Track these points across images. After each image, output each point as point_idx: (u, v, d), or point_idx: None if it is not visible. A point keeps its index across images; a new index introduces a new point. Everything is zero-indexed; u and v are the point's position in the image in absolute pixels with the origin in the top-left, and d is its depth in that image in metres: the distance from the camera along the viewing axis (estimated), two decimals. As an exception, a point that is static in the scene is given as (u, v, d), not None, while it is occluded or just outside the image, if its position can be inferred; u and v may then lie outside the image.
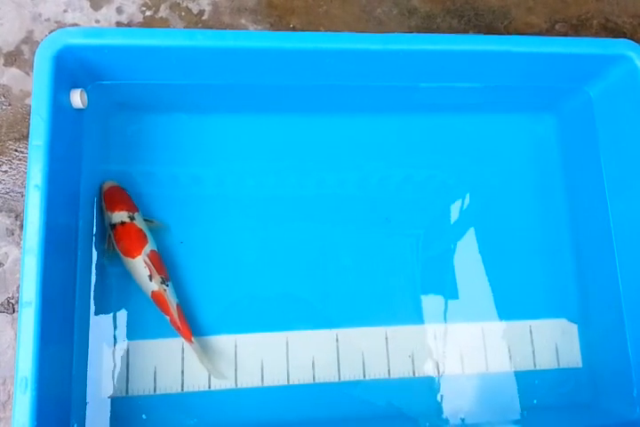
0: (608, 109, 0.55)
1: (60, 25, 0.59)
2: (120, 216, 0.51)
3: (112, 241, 0.51)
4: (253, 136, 0.58)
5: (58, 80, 0.45)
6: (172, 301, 0.50)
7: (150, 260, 0.50)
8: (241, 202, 0.56)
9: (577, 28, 0.65)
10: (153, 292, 0.50)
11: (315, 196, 0.57)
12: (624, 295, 0.54)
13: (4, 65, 0.57)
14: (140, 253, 0.50)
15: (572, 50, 0.51)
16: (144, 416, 0.50)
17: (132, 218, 0.51)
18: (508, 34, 0.64)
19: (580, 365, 0.56)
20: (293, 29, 0.61)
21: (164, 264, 0.52)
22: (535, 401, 0.54)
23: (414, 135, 0.60)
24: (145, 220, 0.53)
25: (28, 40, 0.58)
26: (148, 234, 0.52)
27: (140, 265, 0.50)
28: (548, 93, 0.59)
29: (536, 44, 0.51)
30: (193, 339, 0.50)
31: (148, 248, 0.51)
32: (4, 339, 0.53)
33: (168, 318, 0.50)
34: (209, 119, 0.57)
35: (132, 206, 0.52)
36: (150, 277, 0.50)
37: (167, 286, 0.50)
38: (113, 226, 0.51)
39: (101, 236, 0.52)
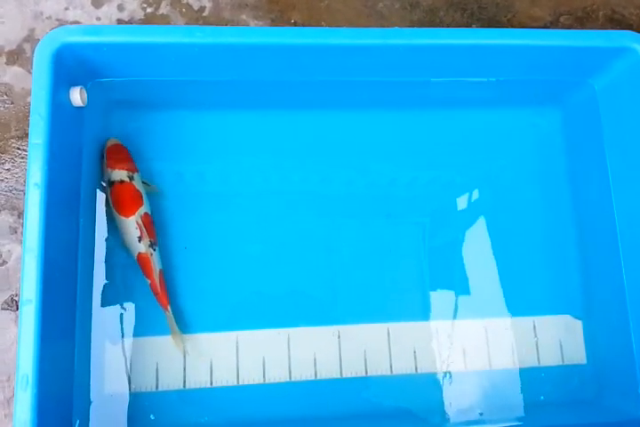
0: (613, 102, 0.54)
1: (62, 23, 0.59)
2: (120, 174, 0.51)
3: (108, 198, 0.52)
4: (257, 133, 0.57)
5: (57, 78, 0.45)
6: (156, 265, 0.51)
7: (143, 222, 0.51)
8: (243, 198, 0.56)
9: (582, 20, 0.64)
10: (140, 253, 0.50)
11: (318, 191, 0.57)
12: (628, 291, 0.53)
13: (6, 63, 0.57)
14: (133, 214, 0.51)
15: (575, 42, 0.51)
16: (146, 413, 0.50)
17: (131, 178, 0.52)
18: (512, 27, 0.63)
19: (584, 361, 0.55)
20: (295, 25, 0.61)
21: (154, 229, 0.52)
22: (539, 398, 0.54)
23: (418, 130, 0.59)
24: (143, 182, 0.53)
25: (30, 38, 0.58)
26: (144, 196, 0.52)
27: (131, 225, 0.50)
28: (553, 87, 0.58)
29: (539, 37, 0.51)
30: (169, 307, 0.51)
31: (142, 210, 0.51)
32: (9, 336, 0.53)
33: (149, 281, 0.51)
34: (210, 116, 0.57)
35: (132, 166, 0.53)
36: (140, 239, 0.50)
37: (154, 250, 0.51)
38: (111, 183, 0.52)
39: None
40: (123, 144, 0.53)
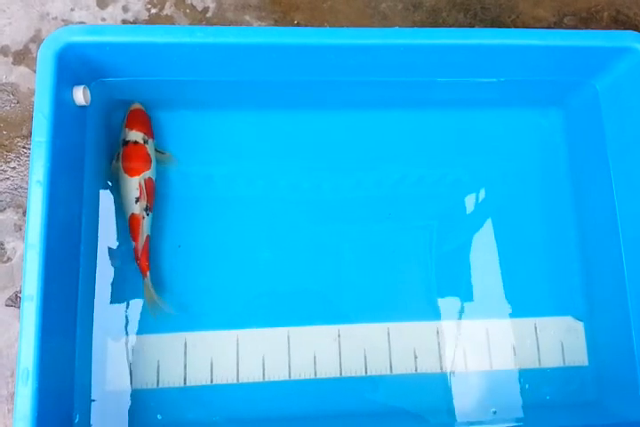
0: (615, 103, 0.54)
1: (68, 23, 0.59)
2: (136, 135, 0.53)
3: (120, 157, 0.53)
4: (261, 133, 0.58)
5: (60, 77, 0.45)
6: (144, 229, 0.52)
7: (145, 185, 0.52)
8: (245, 197, 0.56)
9: (586, 21, 0.64)
10: (133, 214, 0.52)
11: (321, 191, 0.57)
12: (630, 293, 0.53)
13: (13, 63, 0.58)
14: (138, 175, 0.52)
15: (577, 43, 0.51)
16: (147, 409, 0.51)
17: (145, 141, 0.53)
18: (515, 28, 0.63)
19: (586, 363, 0.55)
20: (298, 25, 0.61)
21: (154, 196, 0.53)
22: (539, 399, 0.54)
23: (423, 130, 0.59)
24: (157, 150, 0.54)
25: (36, 39, 0.59)
26: (153, 162, 0.53)
27: (133, 185, 0.52)
28: (555, 87, 0.58)
29: (540, 36, 0.50)
30: (148, 273, 0.51)
31: (147, 174, 0.53)
32: (13, 332, 0.54)
33: (133, 244, 0.52)
34: (213, 116, 0.57)
35: (150, 132, 0.54)
36: (137, 200, 0.52)
37: (147, 215, 0.52)
38: (125, 142, 0.53)
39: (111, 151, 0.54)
40: (146, 112, 0.55)
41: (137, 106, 0.55)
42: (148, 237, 0.52)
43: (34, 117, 0.44)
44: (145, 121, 0.54)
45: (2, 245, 0.55)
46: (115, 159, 0.54)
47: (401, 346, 0.54)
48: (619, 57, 0.51)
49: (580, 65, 0.53)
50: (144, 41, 0.47)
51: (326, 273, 0.55)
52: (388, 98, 0.59)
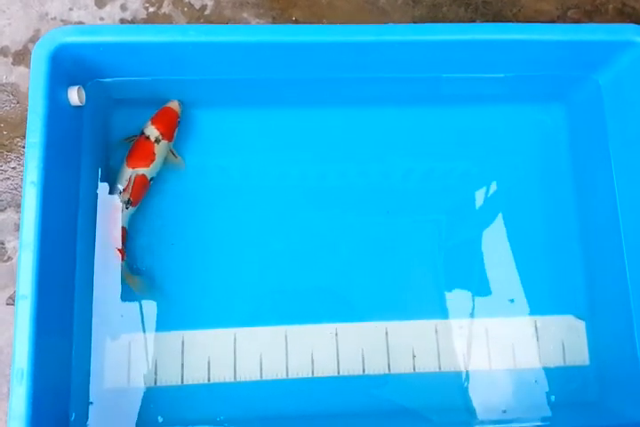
0: (617, 97, 0.53)
1: (66, 23, 0.60)
2: (151, 131, 0.53)
3: (132, 141, 0.54)
4: (268, 130, 0.58)
5: (54, 78, 0.45)
6: (121, 221, 0.52)
7: (134, 180, 0.52)
8: (244, 196, 0.56)
9: (591, 14, 0.63)
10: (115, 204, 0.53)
11: (323, 189, 0.57)
12: (632, 292, 0.52)
13: (13, 64, 0.59)
14: (132, 168, 0.52)
15: (578, 37, 0.50)
16: (144, 408, 0.51)
17: (157, 140, 0.53)
18: (518, 22, 0.62)
19: (587, 362, 0.54)
20: (296, 22, 0.61)
21: (144, 192, 0.53)
22: (540, 399, 0.53)
23: (423, 127, 0.59)
24: (172, 152, 0.54)
25: (35, 39, 0.59)
26: (156, 162, 0.53)
27: (124, 176, 0.53)
28: (557, 83, 0.57)
29: (540, 31, 0.50)
30: (122, 260, 0.52)
31: (142, 170, 0.53)
32: (13, 331, 0.54)
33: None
34: (210, 114, 0.57)
35: (168, 133, 0.54)
36: (121, 192, 0.52)
37: (127, 208, 0.52)
38: (141, 133, 0.54)
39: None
40: (179, 114, 0.54)
41: (172, 104, 0.54)
42: (123, 228, 0.52)
43: (28, 118, 0.44)
44: (168, 121, 0.54)
45: (2, 244, 0.55)
46: (130, 137, 0.54)
47: (399, 345, 0.54)
48: (621, 51, 0.50)
49: (583, 59, 0.52)
50: (138, 40, 0.47)
51: (325, 272, 0.55)
52: (392, 94, 0.59)
